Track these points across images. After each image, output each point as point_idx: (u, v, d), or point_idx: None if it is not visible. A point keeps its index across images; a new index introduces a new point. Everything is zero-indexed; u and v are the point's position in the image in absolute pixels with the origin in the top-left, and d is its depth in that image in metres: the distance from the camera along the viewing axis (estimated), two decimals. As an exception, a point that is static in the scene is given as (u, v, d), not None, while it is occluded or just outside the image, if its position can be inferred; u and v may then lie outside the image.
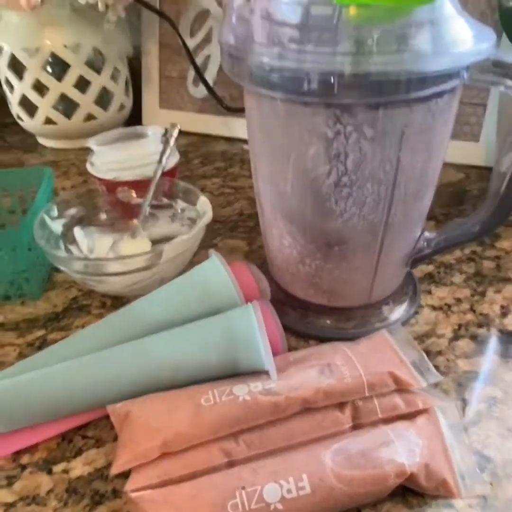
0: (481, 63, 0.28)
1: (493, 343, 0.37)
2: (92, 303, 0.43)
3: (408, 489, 0.28)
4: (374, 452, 0.27)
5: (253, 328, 0.31)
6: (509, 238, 0.49)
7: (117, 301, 0.43)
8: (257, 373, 0.31)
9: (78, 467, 0.30)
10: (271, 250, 0.39)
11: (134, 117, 0.76)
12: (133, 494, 0.26)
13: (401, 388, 0.30)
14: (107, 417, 0.30)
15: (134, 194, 0.49)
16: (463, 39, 0.28)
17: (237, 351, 0.31)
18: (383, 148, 0.30)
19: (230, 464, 0.28)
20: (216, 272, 0.34)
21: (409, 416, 0.29)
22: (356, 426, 0.29)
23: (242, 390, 0.29)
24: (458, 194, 0.57)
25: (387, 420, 0.29)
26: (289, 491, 0.26)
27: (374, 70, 0.26)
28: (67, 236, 0.46)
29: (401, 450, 0.27)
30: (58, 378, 0.31)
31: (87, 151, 0.53)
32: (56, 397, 0.31)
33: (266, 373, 0.30)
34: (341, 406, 0.30)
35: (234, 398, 0.29)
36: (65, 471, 0.30)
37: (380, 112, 0.28)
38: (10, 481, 0.30)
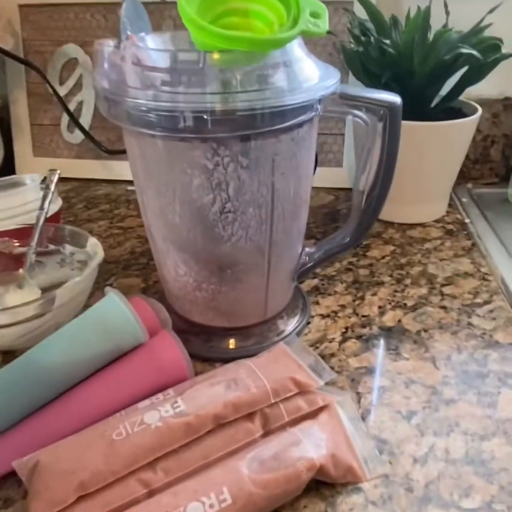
0: (330, 96, 0.33)
1: (376, 339, 0.42)
2: (-19, 361, 0.41)
3: (320, 483, 0.30)
4: (285, 453, 0.29)
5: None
6: (377, 248, 0.55)
7: (9, 355, 0.41)
8: (166, 397, 0.31)
9: (-15, 535, 0.28)
10: (168, 281, 0.40)
11: (7, 167, 0.73)
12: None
13: (302, 390, 0.32)
14: (13, 473, 0.29)
15: (16, 244, 0.47)
16: (313, 76, 0.32)
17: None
18: (258, 175, 0.33)
19: (150, 494, 0.28)
20: (115, 307, 0.35)
21: (312, 415, 0.32)
22: (267, 433, 0.31)
23: (153, 418, 0.30)
24: (330, 213, 0.63)
25: (294, 422, 0.31)
26: (211, 505, 0.27)
27: (241, 107, 0.29)
28: None
29: (309, 446, 0.29)
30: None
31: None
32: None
33: (173, 396, 0.31)
34: (250, 416, 0.31)
35: (146, 427, 0.29)
36: (-30, 542, 0.28)
37: (252, 143, 0.32)
38: None
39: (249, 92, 0.30)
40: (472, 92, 0.66)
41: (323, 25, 0.31)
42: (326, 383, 0.36)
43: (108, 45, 0.33)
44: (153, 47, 0.33)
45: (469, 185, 0.70)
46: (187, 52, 0.30)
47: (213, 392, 0.31)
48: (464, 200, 0.65)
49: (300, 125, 0.33)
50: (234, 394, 0.31)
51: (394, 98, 0.34)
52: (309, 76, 0.32)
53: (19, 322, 0.37)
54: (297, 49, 0.33)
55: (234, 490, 0.27)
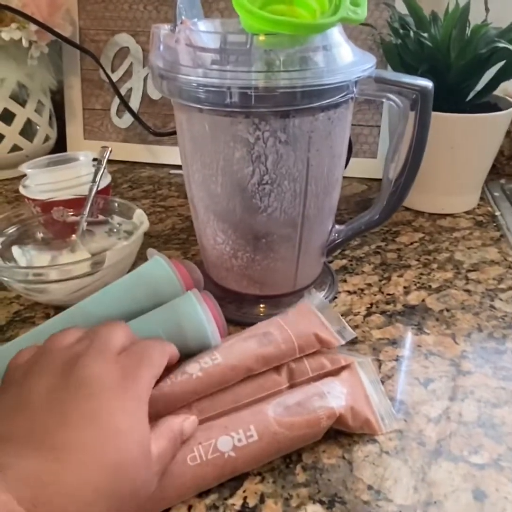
0: (365, 79, 0.35)
1: (399, 315, 0.44)
2: (36, 314, 0.45)
3: (339, 432, 0.33)
4: (308, 402, 0.32)
5: (198, 312, 0.35)
6: (407, 234, 0.57)
7: (61, 311, 0.45)
8: (204, 350, 0.35)
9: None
10: (206, 249, 0.43)
11: (60, 149, 0.79)
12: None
13: (324, 346, 0.35)
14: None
15: (70, 213, 0.52)
16: (350, 60, 0.35)
17: (186, 335, 0.34)
18: (295, 150, 0.36)
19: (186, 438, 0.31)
20: (160, 267, 0.38)
21: (334, 372, 0.35)
22: (292, 386, 0.34)
23: (194, 368, 0.33)
24: (362, 202, 0.65)
25: (317, 378, 0.34)
26: (239, 440, 0.30)
27: (282, 84, 0.32)
28: (5, 256, 0.47)
29: (330, 398, 0.32)
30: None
31: (14, 181, 0.55)
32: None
33: (211, 350, 0.34)
34: (278, 369, 0.34)
35: (189, 376, 0.33)
36: None
37: (290, 120, 0.35)
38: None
39: (291, 71, 0.33)
40: (509, 88, 0.67)
41: (362, 12, 0.34)
42: (349, 349, 0.39)
43: (164, 28, 0.37)
44: (205, 30, 0.36)
45: (502, 181, 0.70)
46: (236, 34, 0.33)
47: (246, 346, 0.34)
48: (496, 194, 0.66)
49: (336, 105, 0.36)
50: (265, 349, 0.34)
51: (426, 83, 0.36)
52: (347, 60, 0.35)
53: (70, 278, 0.41)
54: (337, 34, 0.35)
55: (260, 427, 0.30)
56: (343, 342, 0.36)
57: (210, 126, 0.36)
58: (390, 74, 0.37)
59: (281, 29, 0.32)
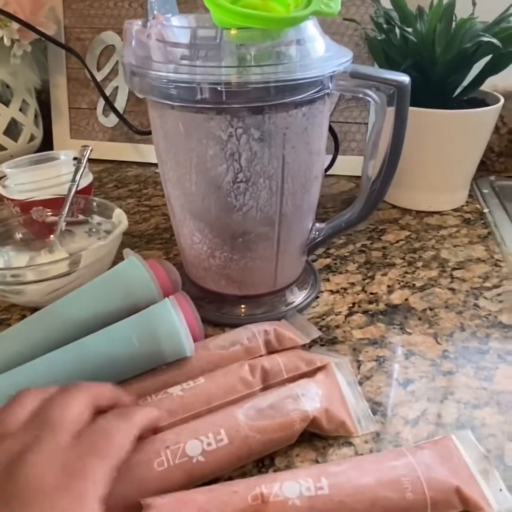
0: (341, 74, 0.35)
1: (381, 315, 0.43)
2: (12, 316, 0.44)
3: (313, 435, 0.32)
4: (281, 404, 0.31)
5: (173, 321, 0.34)
6: (393, 233, 0.56)
7: (38, 312, 0.44)
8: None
9: None
10: (184, 249, 0.43)
11: (46, 148, 0.78)
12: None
13: (285, 347, 0.36)
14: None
15: (48, 213, 0.51)
16: (325, 55, 0.34)
17: (161, 344, 0.34)
18: (269, 147, 0.35)
19: (155, 432, 0.30)
20: (134, 268, 0.37)
21: (310, 374, 0.34)
22: (265, 388, 0.33)
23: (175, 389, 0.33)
24: (349, 200, 0.64)
25: (292, 379, 0.33)
26: (209, 444, 0.29)
27: (254, 79, 0.31)
28: (-18, 256, 0.47)
29: (304, 400, 0.31)
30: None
31: (-2, 180, 0.54)
32: None
33: None
34: (252, 371, 0.33)
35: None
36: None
37: (264, 116, 0.34)
38: None
39: (263, 66, 0.32)
40: (499, 84, 0.66)
41: (335, 6, 0.33)
42: (328, 349, 0.38)
43: (136, 24, 0.36)
44: (176, 25, 0.36)
45: (492, 178, 0.70)
46: (206, 29, 0.33)
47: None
48: (485, 191, 0.65)
49: (311, 101, 0.35)
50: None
51: (403, 78, 0.35)
52: (321, 54, 0.34)
53: (47, 279, 0.41)
54: (311, 28, 0.34)
55: (231, 432, 0.29)
56: (307, 341, 0.36)
57: (182, 124, 0.35)
58: (366, 69, 0.36)
59: (252, 23, 0.31)
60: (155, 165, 0.75)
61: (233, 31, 0.32)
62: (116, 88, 0.76)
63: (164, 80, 0.33)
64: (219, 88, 0.32)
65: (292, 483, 0.26)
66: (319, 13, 0.32)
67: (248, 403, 0.31)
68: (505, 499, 0.27)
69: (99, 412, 0.27)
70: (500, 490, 0.28)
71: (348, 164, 0.70)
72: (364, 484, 0.26)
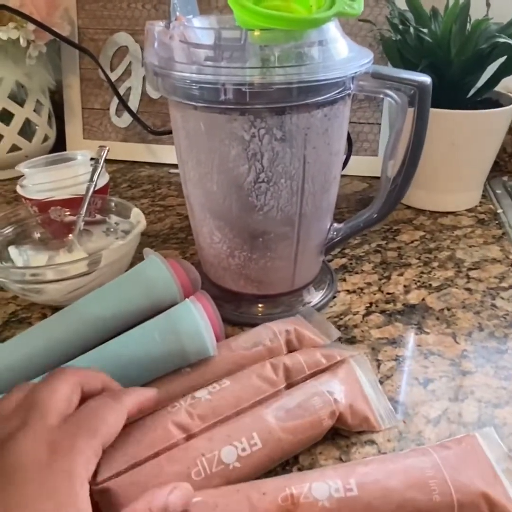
0: (362, 75, 0.35)
1: (399, 314, 0.43)
2: (32, 315, 0.45)
3: (336, 434, 0.32)
4: (309, 403, 0.31)
5: (195, 320, 0.34)
6: (407, 233, 0.57)
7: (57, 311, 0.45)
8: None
9: None
10: (203, 248, 0.43)
11: (59, 148, 0.78)
12: (103, 485, 0.27)
13: (304, 343, 0.36)
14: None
15: (67, 212, 0.51)
16: (347, 56, 0.34)
17: (184, 343, 0.34)
18: (291, 148, 0.35)
19: (188, 438, 0.30)
20: (155, 267, 0.38)
21: (331, 369, 0.34)
22: (289, 385, 0.33)
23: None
24: (363, 200, 0.65)
25: (313, 375, 0.34)
26: (243, 449, 0.29)
27: (277, 80, 0.32)
28: (2, 256, 0.47)
29: (329, 397, 0.32)
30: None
31: (13, 181, 0.55)
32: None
33: None
34: (274, 369, 0.34)
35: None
36: None
37: (286, 117, 0.34)
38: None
39: (286, 67, 0.32)
40: (511, 84, 0.66)
41: (358, 6, 0.33)
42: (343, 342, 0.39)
43: (158, 25, 0.36)
44: (199, 27, 0.36)
45: (505, 178, 0.70)
46: (230, 30, 0.33)
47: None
48: (498, 191, 0.65)
49: (333, 102, 0.35)
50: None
51: (424, 78, 0.35)
52: (343, 55, 0.34)
53: (66, 278, 0.41)
54: (333, 29, 0.35)
55: (263, 434, 0.29)
56: (328, 342, 0.36)
57: (205, 124, 0.35)
58: (387, 69, 0.36)
59: (276, 24, 0.32)
60: (168, 165, 0.76)
61: (256, 32, 0.32)
62: (129, 88, 0.77)
63: (188, 81, 0.33)
64: (243, 89, 0.32)
65: (321, 484, 0.26)
66: (343, 14, 0.33)
67: (276, 403, 0.31)
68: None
69: (88, 397, 0.28)
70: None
71: (361, 165, 0.70)
72: (392, 486, 0.26)
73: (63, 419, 0.25)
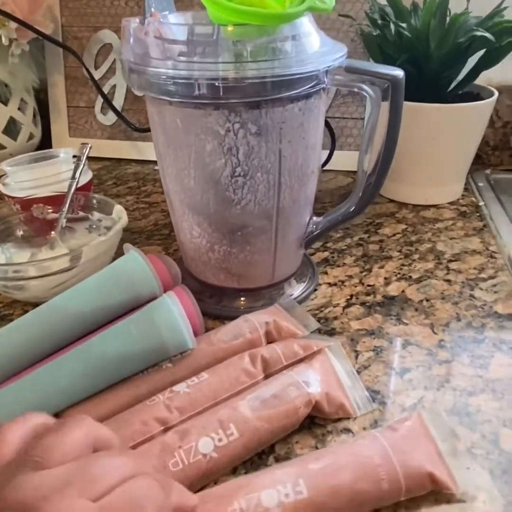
0: (336, 68, 0.35)
1: (378, 306, 0.44)
2: (14, 312, 0.45)
3: (313, 423, 0.33)
4: (284, 392, 0.32)
5: (172, 312, 0.35)
6: (389, 226, 0.57)
7: (40, 308, 0.45)
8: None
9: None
10: (184, 243, 0.43)
11: (45, 147, 0.78)
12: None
13: (282, 335, 0.37)
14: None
15: (49, 210, 0.51)
16: (320, 50, 0.35)
17: (162, 336, 0.34)
18: (266, 142, 0.36)
19: (166, 431, 0.31)
20: (135, 262, 0.38)
21: (307, 360, 0.35)
22: (267, 376, 0.34)
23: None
24: (346, 195, 0.64)
25: (290, 366, 0.34)
26: (220, 440, 0.29)
27: (250, 75, 0.32)
28: (-16, 253, 0.47)
29: (305, 386, 0.32)
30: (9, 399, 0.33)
31: (-2, 179, 0.55)
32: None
33: None
34: (253, 361, 0.34)
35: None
36: None
37: (261, 111, 0.34)
38: None
39: (259, 62, 0.32)
40: (493, 78, 0.67)
41: (330, 2, 0.34)
42: (323, 334, 0.39)
43: (134, 21, 0.36)
44: (173, 22, 0.36)
45: (488, 171, 0.70)
46: (203, 26, 0.33)
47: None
48: (480, 184, 0.66)
49: (307, 96, 0.35)
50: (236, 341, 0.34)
51: (397, 72, 0.36)
52: (317, 50, 0.35)
53: (48, 274, 0.41)
54: (306, 24, 0.35)
55: (240, 425, 0.30)
56: (307, 333, 0.37)
57: (181, 119, 0.36)
58: (361, 63, 0.37)
59: (249, 20, 0.32)
60: (154, 162, 0.76)
61: (229, 28, 0.33)
62: (114, 86, 0.77)
63: (163, 77, 0.33)
64: (216, 84, 0.32)
65: (270, 492, 0.26)
66: (314, 9, 0.33)
67: (251, 394, 0.32)
68: (472, 477, 0.28)
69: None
70: (468, 468, 0.28)
71: (345, 159, 0.70)
72: (342, 480, 0.26)
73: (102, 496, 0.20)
